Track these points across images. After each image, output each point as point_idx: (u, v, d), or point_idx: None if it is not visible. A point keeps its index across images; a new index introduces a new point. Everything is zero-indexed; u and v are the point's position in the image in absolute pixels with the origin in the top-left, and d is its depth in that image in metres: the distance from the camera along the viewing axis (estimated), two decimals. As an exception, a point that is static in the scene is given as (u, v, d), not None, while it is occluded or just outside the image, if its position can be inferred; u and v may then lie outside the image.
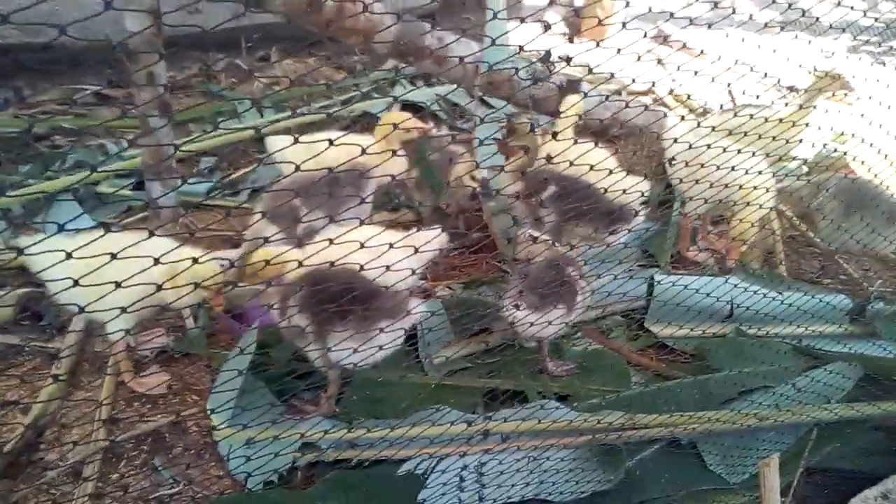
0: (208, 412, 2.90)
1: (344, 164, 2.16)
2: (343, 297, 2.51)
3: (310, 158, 1.81)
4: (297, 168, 1.77)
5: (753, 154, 2.97)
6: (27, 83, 5.37)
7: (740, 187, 3.32)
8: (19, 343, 3.24)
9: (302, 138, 1.88)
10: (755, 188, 3.42)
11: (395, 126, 3.42)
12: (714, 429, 3.04)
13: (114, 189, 4.33)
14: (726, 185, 3.16)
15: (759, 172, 3.47)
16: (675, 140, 3.36)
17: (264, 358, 3.08)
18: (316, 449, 2.76)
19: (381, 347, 2.68)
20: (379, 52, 4.66)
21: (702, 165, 3.00)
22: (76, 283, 1.59)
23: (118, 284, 1.64)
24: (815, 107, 4.17)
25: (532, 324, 3.03)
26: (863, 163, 3.50)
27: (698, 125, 3.90)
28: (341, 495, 2.61)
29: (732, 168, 2.95)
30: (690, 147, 3.04)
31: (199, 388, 3.13)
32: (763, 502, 2.54)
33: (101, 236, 1.76)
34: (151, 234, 1.70)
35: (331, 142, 1.78)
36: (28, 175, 4.37)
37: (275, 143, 3.74)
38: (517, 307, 3.07)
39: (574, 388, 3.24)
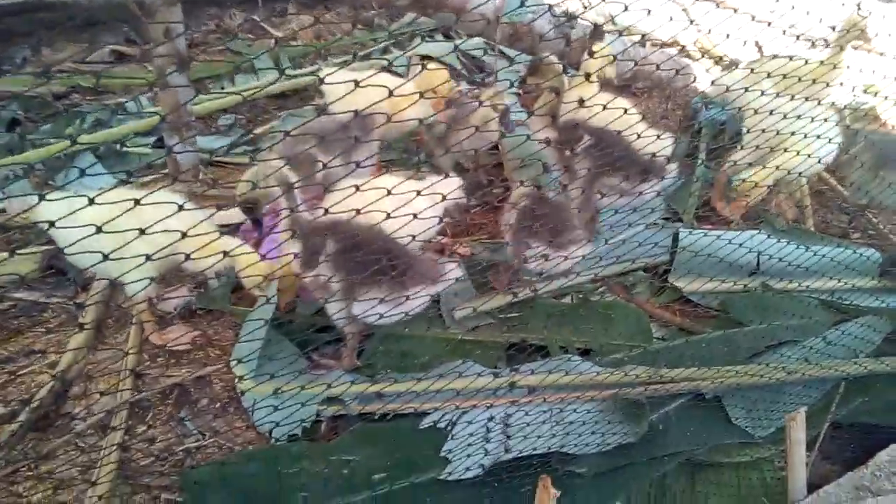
0: (232, 363, 2.91)
1: (376, 104, 2.09)
2: (377, 260, 2.51)
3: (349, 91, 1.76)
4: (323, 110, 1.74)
5: (819, 102, 2.89)
6: (44, 41, 5.33)
7: (805, 136, 3.21)
8: (44, 300, 3.27)
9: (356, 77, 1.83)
10: (819, 138, 3.29)
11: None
12: (741, 382, 3.01)
13: (134, 147, 4.31)
14: (793, 133, 3.05)
15: (825, 120, 3.34)
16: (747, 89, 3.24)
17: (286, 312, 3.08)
18: (339, 402, 2.77)
19: (407, 311, 2.71)
20: (397, 3, 4.56)
21: (771, 112, 2.91)
22: (99, 229, 1.56)
23: (143, 231, 1.62)
24: (853, 48, 4.03)
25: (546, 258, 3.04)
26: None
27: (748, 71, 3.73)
28: (365, 448, 2.62)
29: (798, 117, 2.88)
30: (764, 94, 2.94)
31: (223, 344, 3.14)
32: (788, 456, 2.52)
33: (107, 190, 1.71)
34: (174, 179, 1.67)
35: (356, 83, 1.74)
36: (49, 133, 4.37)
37: (334, 89, 3.58)
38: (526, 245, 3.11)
39: (598, 341, 3.22)
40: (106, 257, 1.56)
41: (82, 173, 1.55)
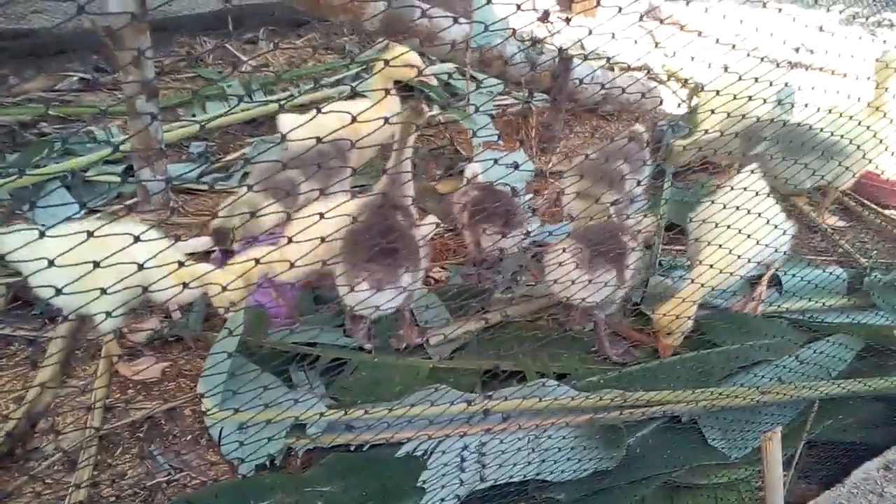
0: (199, 395, 2.85)
1: (336, 131, 2.09)
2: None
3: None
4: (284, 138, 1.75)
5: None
6: (12, 70, 5.27)
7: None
8: (10, 332, 3.19)
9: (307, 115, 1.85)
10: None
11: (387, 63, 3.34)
12: (716, 404, 3.02)
13: (103, 175, 4.26)
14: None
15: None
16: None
17: (254, 340, 3.03)
18: (309, 436, 2.71)
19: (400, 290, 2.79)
20: (369, 30, 4.58)
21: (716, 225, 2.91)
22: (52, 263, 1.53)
23: (96, 264, 1.58)
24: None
25: (575, 282, 2.92)
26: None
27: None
28: (339, 478, 2.58)
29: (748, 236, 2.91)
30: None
31: (194, 374, 3.08)
32: (765, 476, 2.52)
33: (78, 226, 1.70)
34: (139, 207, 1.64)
35: (318, 110, 1.74)
36: (16, 164, 4.30)
37: (286, 121, 3.84)
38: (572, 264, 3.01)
39: (573, 365, 3.21)
40: (58, 291, 1.54)
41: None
